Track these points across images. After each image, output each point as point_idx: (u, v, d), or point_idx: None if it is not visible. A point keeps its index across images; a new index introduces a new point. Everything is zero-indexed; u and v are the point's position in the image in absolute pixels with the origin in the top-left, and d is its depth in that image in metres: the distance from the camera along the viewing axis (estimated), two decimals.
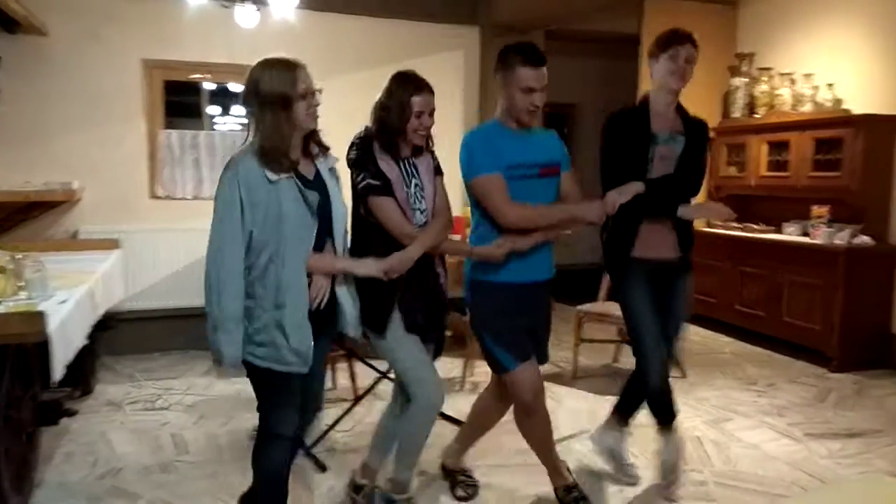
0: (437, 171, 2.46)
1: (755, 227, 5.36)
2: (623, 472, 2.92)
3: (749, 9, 5.87)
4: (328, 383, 3.84)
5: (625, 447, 2.95)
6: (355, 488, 2.65)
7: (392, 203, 2.27)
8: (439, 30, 5.32)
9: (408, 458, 2.49)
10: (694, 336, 5.47)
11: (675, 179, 2.59)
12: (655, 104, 2.64)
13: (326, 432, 3.29)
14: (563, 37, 6.01)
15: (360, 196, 2.30)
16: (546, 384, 4.04)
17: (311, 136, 2.07)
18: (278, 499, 2.18)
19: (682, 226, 2.67)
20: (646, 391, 2.72)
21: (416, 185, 2.35)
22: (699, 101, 6.00)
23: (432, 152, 2.45)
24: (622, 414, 2.93)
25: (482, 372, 4.29)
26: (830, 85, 4.85)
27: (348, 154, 2.33)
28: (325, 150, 2.14)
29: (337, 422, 3.37)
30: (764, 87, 5.46)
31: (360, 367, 3.64)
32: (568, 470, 2.68)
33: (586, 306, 4.33)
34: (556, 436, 3.29)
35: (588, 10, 5.32)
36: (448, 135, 5.31)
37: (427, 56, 5.30)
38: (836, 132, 4.67)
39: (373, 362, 3.48)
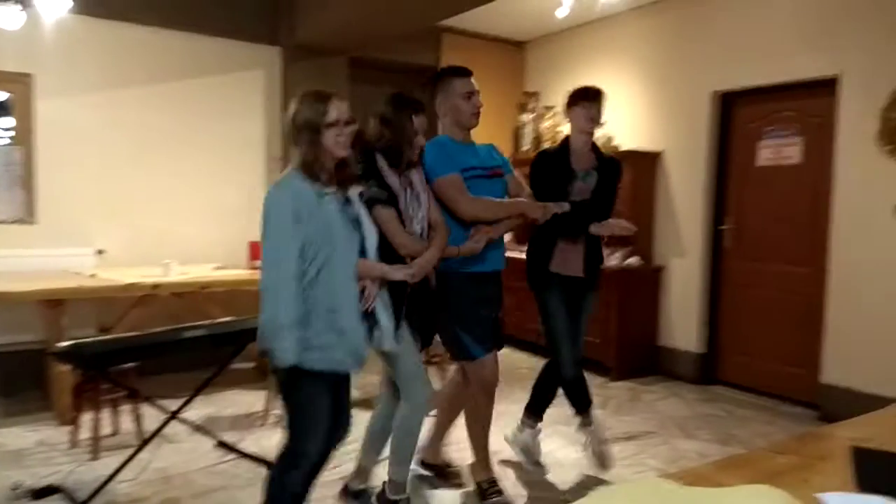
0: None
1: None
2: (536, 466, 3.30)
3: (534, 52, 6.40)
4: (107, 429, 3.47)
5: (538, 443, 3.35)
6: (355, 495, 2.78)
7: (394, 214, 2.45)
8: (239, 48, 5.11)
9: (403, 457, 2.62)
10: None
11: (589, 205, 3.05)
12: (575, 145, 3.11)
13: (106, 483, 2.90)
14: (367, 65, 6.08)
15: (365, 206, 2.39)
16: (366, 410, 4.05)
17: (342, 164, 2.18)
18: None
19: (592, 250, 3.12)
20: (562, 381, 3.17)
21: (413, 195, 2.53)
22: (493, 134, 6.44)
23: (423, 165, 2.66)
24: (534, 411, 3.33)
25: None
26: (603, 123, 5.43)
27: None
28: (352, 179, 2.26)
29: (118, 471, 2.96)
30: (548, 123, 5.97)
31: (147, 409, 3.31)
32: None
33: None
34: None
35: (390, 41, 5.44)
36: (249, 151, 5.20)
37: (225, 74, 5.07)
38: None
39: (162, 402, 3.18)
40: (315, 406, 2.13)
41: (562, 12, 5.06)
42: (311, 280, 2.06)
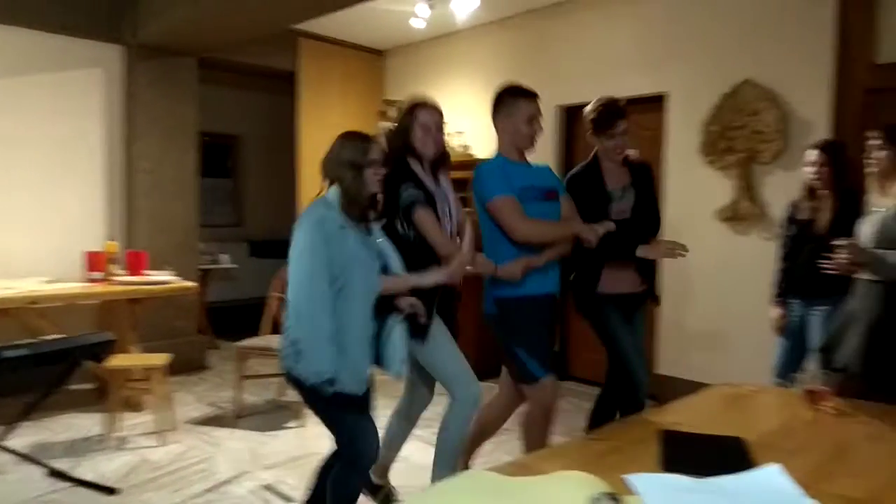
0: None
1: None
2: None
3: (394, 60, 6.47)
4: None
5: None
6: (372, 489, 2.76)
7: (433, 216, 2.45)
8: (76, 45, 4.75)
9: (449, 459, 2.60)
10: None
11: (632, 223, 2.85)
12: (604, 166, 2.92)
13: None
14: (220, 66, 5.87)
15: (402, 210, 2.43)
16: (206, 428, 3.90)
17: (373, 199, 2.29)
18: None
19: (644, 263, 2.91)
20: (638, 405, 2.89)
21: (442, 197, 2.54)
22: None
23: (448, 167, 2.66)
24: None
25: (130, 425, 3.89)
26: (460, 132, 5.59)
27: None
28: (378, 213, 2.36)
29: None
30: None
31: None
32: None
33: (248, 341, 4.21)
34: (214, 480, 3.17)
35: (243, 43, 5.28)
36: (86, 155, 4.83)
37: (60, 72, 4.69)
38: (465, 173, 5.36)
39: None
40: (351, 417, 2.22)
41: (418, 23, 5.17)
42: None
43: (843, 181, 3.13)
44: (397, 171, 2.49)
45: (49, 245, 4.59)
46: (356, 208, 2.23)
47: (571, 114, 5.14)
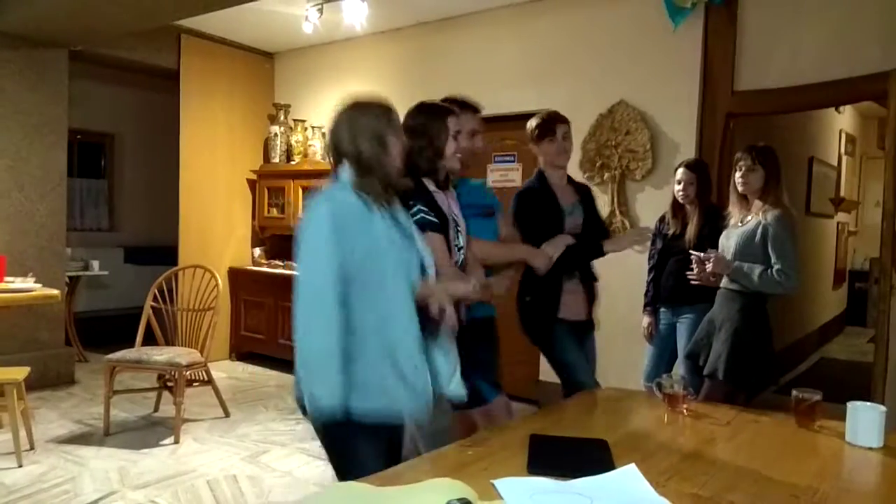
0: None
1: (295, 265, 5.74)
2: None
3: (284, 63, 6.35)
4: None
5: None
6: None
7: (443, 242, 2.13)
8: None
9: None
10: (241, 373, 5.54)
11: (585, 237, 2.81)
12: (552, 179, 2.86)
13: None
14: (94, 60, 5.52)
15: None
16: (70, 447, 3.64)
17: (395, 174, 1.91)
18: None
19: (590, 290, 2.91)
20: None
21: (453, 218, 2.24)
22: (241, 144, 6.27)
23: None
24: None
25: None
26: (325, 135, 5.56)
27: None
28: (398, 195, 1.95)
29: None
30: (299, 136, 5.95)
31: None
32: None
33: (119, 354, 3.96)
34: (78, 503, 2.96)
35: (120, 37, 5.00)
36: None
37: None
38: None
39: None
40: (364, 463, 1.64)
41: (308, 28, 5.10)
42: (353, 310, 1.73)
43: (707, 198, 3.39)
44: (409, 187, 2.16)
45: None
46: (376, 185, 1.84)
47: None
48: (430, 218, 2.11)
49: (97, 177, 7.34)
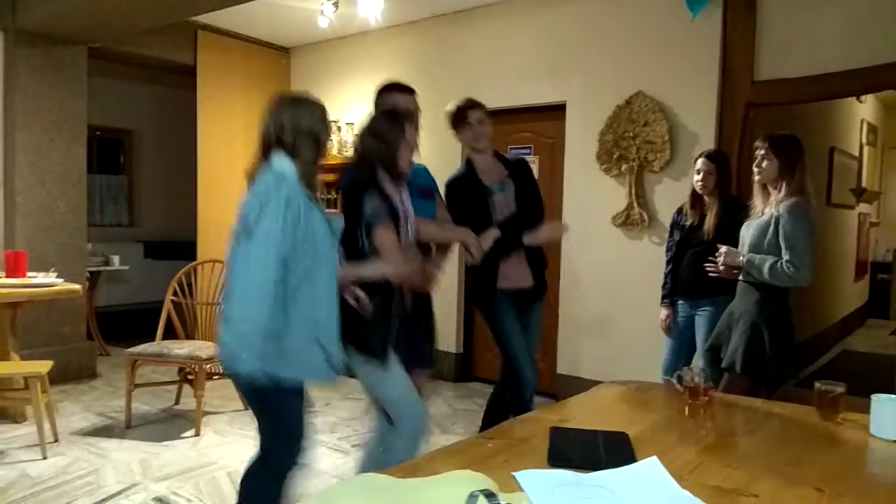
0: None
1: None
2: None
3: (300, 58, 6.36)
4: None
5: None
6: None
7: (393, 233, 2.32)
8: None
9: None
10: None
11: (519, 217, 2.97)
12: (478, 163, 3.05)
13: None
14: (113, 57, 5.56)
15: (367, 220, 2.30)
16: (93, 439, 3.69)
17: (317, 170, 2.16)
18: None
19: (534, 256, 3.03)
20: (523, 403, 2.98)
21: (404, 213, 2.41)
22: (252, 140, 6.27)
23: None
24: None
25: (8, 438, 3.63)
26: (340, 128, 5.60)
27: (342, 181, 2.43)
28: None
29: None
30: None
31: None
32: None
33: (140, 348, 4.01)
34: (101, 494, 3.01)
35: (138, 34, 5.03)
36: None
37: None
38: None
39: None
40: (291, 416, 2.09)
41: (323, 22, 5.10)
42: (293, 290, 1.97)
43: (727, 189, 3.36)
44: (364, 179, 2.37)
45: None
46: (310, 180, 2.07)
47: None
48: (382, 210, 2.32)
49: (116, 173, 7.42)
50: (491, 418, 3.17)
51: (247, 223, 1.94)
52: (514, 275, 2.99)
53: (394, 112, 2.54)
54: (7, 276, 4.03)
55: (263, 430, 2.14)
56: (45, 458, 3.39)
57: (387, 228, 2.32)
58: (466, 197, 3.00)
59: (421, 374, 2.65)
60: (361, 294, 2.25)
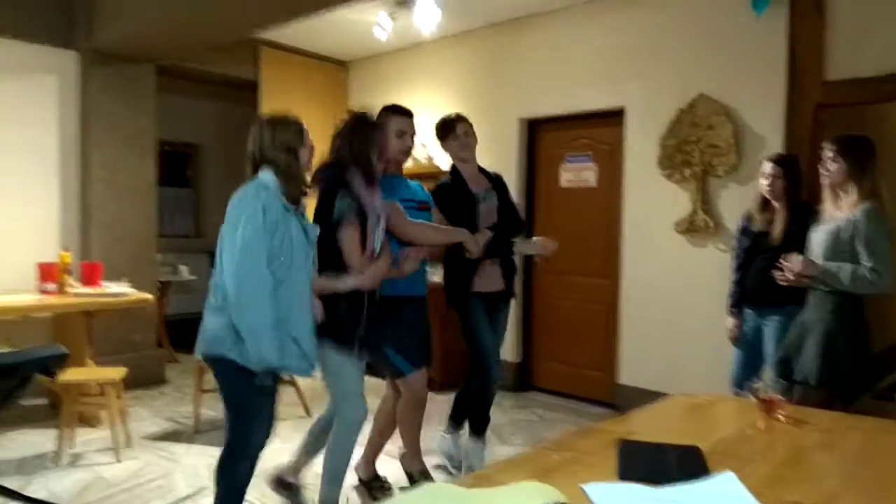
0: None
1: None
2: (460, 468, 3.49)
3: (357, 71, 6.47)
4: None
5: (458, 447, 3.51)
6: (285, 485, 2.93)
7: (356, 235, 2.50)
8: (28, 50, 4.63)
9: (334, 477, 2.66)
10: (318, 374, 5.66)
11: (503, 225, 3.22)
12: (464, 172, 3.28)
13: None
14: (178, 74, 5.78)
15: (336, 219, 2.48)
16: (163, 444, 3.81)
17: (304, 182, 2.41)
18: None
19: (507, 263, 3.30)
20: (489, 395, 3.36)
21: (374, 215, 2.59)
22: (316, 151, 6.39)
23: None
24: (455, 420, 3.51)
25: (84, 441, 3.79)
26: (424, 145, 5.60)
27: (316, 180, 2.53)
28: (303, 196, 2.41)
29: None
30: None
31: None
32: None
33: None
34: (172, 497, 3.10)
35: (203, 51, 5.22)
36: (40, 164, 4.71)
37: (11, 78, 4.57)
38: (429, 184, 5.38)
39: None
40: (263, 403, 2.33)
41: (381, 35, 5.18)
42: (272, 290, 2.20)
43: (796, 194, 3.23)
44: (336, 179, 2.56)
45: (1, 256, 4.45)
46: (294, 191, 2.31)
47: (533, 126, 5.21)
48: (351, 209, 2.50)
49: (184, 185, 7.68)
50: (460, 411, 3.51)
51: (231, 224, 2.21)
52: (488, 279, 3.24)
53: (365, 117, 2.70)
54: (83, 286, 4.23)
55: (234, 418, 2.33)
56: (118, 461, 3.53)
57: (353, 228, 2.50)
58: (455, 202, 3.20)
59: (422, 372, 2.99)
60: (318, 303, 2.45)
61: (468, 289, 3.21)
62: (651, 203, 4.46)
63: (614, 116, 4.64)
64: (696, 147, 4.19)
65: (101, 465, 3.49)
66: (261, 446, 2.38)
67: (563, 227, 5.05)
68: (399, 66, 6.05)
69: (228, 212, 2.23)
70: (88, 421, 4.09)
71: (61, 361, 3.06)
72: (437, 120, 3.41)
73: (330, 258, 2.52)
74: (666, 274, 4.40)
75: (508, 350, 5.26)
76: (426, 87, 5.86)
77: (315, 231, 2.42)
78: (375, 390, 3.23)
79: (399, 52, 5.97)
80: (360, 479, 3.24)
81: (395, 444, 3.35)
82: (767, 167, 3.24)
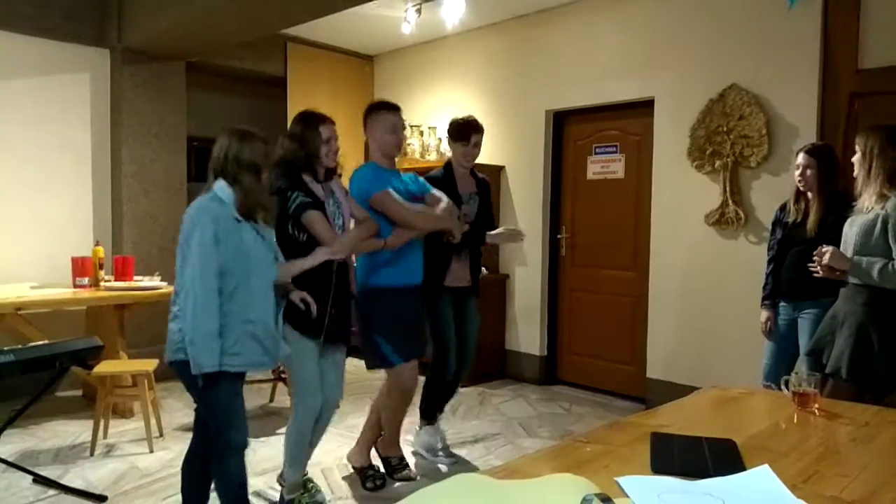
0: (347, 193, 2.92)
1: None
2: (439, 458, 3.55)
3: (383, 65, 6.48)
4: None
5: (437, 439, 3.58)
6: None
7: (322, 216, 2.63)
8: (61, 49, 4.72)
9: (294, 458, 2.80)
10: (347, 367, 5.70)
11: (477, 226, 3.43)
12: (457, 172, 3.45)
13: None
14: (207, 71, 5.84)
15: (293, 214, 2.60)
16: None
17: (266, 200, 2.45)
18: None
19: (474, 262, 3.51)
20: (443, 382, 3.46)
21: (334, 203, 2.74)
22: (343, 145, 6.42)
23: (339, 176, 2.86)
24: (427, 414, 3.59)
25: (118, 432, 3.87)
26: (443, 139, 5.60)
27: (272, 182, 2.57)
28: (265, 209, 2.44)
29: None
30: None
31: None
32: None
33: None
34: None
35: (232, 48, 5.27)
36: (74, 160, 4.80)
37: (45, 76, 4.66)
38: None
39: None
40: (234, 401, 2.39)
41: (406, 28, 5.18)
42: (227, 295, 2.27)
43: (831, 184, 3.16)
44: (287, 179, 2.65)
45: (35, 250, 4.56)
46: (252, 209, 2.34)
47: (559, 118, 5.17)
48: (307, 200, 2.61)
49: None
50: (427, 404, 3.60)
51: (184, 237, 2.28)
52: (458, 275, 3.42)
53: (310, 114, 2.78)
54: (115, 280, 4.31)
55: (207, 417, 2.42)
56: (151, 451, 3.59)
57: (314, 212, 2.61)
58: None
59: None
60: (309, 298, 2.52)
61: (441, 283, 3.35)
62: (680, 194, 4.40)
63: (643, 107, 4.58)
64: (727, 137, 4.12)
65: (134, 455, 3.56)
66: (244, 442, 2.42)
67: (591, 219, 5.02)
68: (424, 60, 6.05)
69: (184, 222, 2.29)
70: (122, 412, 4.17)
71: (97, 353, 3.14)
72: (460, 115, 3.52)
73: (293, 253, 2.60)
74: (696, 267, 4.35)
75: (534, 344, 5.25)
76: (451, 79, 5.85)
77: (271, 234, 2.47)
78: (365, 384, 3.27)
79: (424, 45, 5.97)
80: (353, 467, 3.31)
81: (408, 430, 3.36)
82: (800, 158, 3.18)
